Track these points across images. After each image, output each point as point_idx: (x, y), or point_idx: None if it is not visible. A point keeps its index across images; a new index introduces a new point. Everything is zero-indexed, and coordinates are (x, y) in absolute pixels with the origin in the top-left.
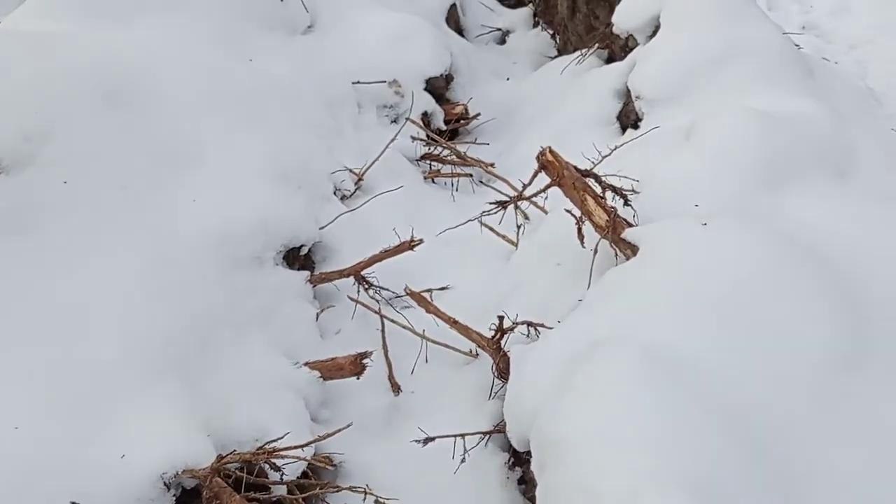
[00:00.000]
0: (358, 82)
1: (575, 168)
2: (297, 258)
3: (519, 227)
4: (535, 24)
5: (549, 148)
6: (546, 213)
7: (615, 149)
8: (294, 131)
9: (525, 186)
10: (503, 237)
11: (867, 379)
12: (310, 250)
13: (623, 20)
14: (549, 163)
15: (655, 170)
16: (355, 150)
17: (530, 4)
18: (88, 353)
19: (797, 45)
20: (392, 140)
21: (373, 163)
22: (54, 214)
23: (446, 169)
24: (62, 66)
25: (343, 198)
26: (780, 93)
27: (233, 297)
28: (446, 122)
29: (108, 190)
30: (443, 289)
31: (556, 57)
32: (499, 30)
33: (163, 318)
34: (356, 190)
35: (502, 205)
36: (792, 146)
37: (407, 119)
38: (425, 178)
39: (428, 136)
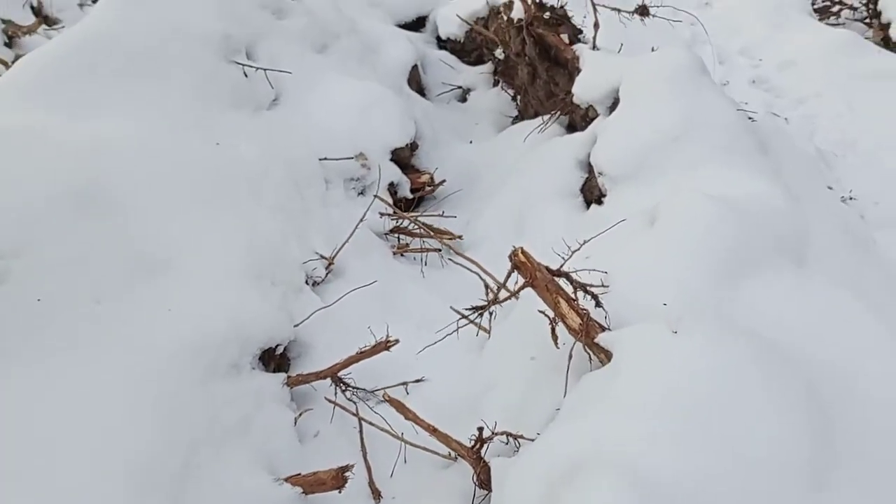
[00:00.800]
0: (325, 159)
1: (546, 269)
2: (272, 358)
3: (491, 313)
4: (496, 83)
5: (522, 248)
6: (517, 298)
7: (584, 244)
8: (264, 219)
9: (500, 288)
10: (478, 326)
11: (836, 493)
12: (285, 348)
13: (583, 91)
14: (521, 263)
15: (623, 261)
16: (325, 230)
17: (490, 62)
18: (65, 484)
19: (750, 117)
20: (361, 220)
21: (343, 245)
22: (28, 334)
23: (415, 243)
24: (30, 171)
25: (315, 283)
26: (737, 173)
27: (212, 411)
28: (413, 191)
29: (82, 305)
30: (418, 381)
31: (517, 118)
32: (459, 87)
33: (142, 442)
34: (328, 274)
35: (479, 310)
36: (752, 235)
37: (375, 196)
38: (394, 253)
39: (395, 211)
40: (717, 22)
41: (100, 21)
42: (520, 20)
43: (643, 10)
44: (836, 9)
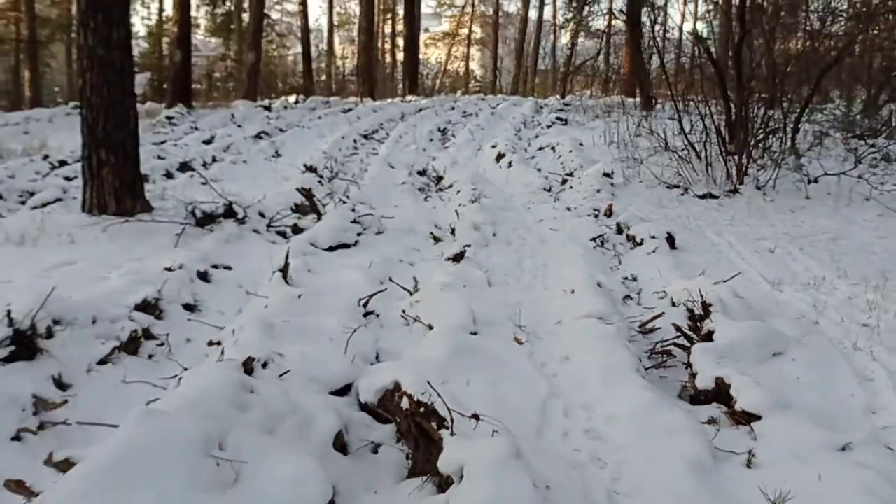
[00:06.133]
0: None
1: None
2: None
3: None
4: (398, 440)
5: None
6: None
7: None
8: None
9: None
10: None
11: None
12: None
13: (443, 467)
14: None
15: None
16: None
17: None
18: None
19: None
20: None
21: None
22: None
23: None
24: None
25: None
26: None
27: None
28: None
29: None
30: None
31: (412, 470)
32: (372, 442)
33: None
34: None
35: None
36: None
37: None
38: None
39: None
40: (571, 378)
41: (121, 449)
42: (407, 409)
43: (475, 416)
44: (664, 359)
